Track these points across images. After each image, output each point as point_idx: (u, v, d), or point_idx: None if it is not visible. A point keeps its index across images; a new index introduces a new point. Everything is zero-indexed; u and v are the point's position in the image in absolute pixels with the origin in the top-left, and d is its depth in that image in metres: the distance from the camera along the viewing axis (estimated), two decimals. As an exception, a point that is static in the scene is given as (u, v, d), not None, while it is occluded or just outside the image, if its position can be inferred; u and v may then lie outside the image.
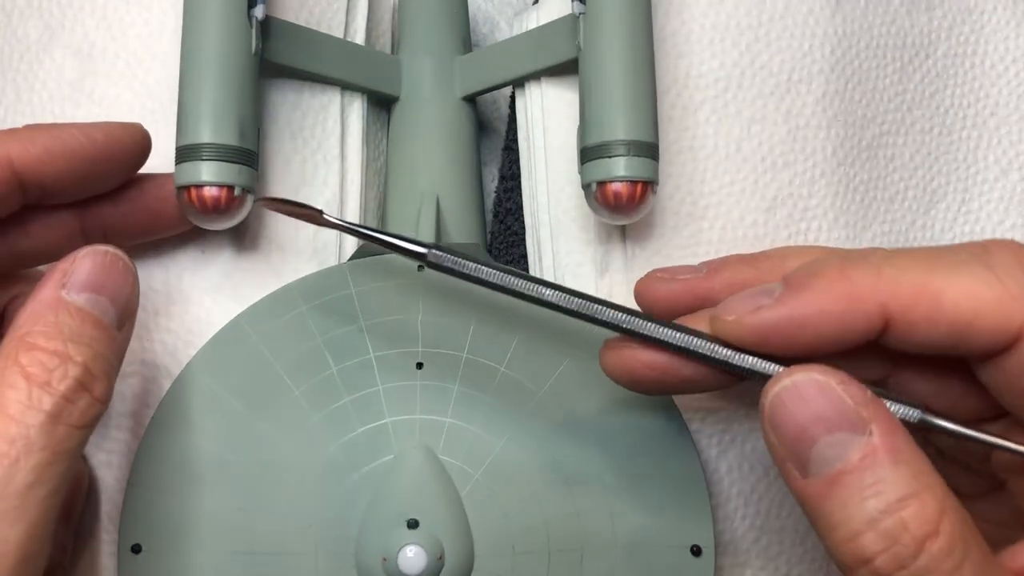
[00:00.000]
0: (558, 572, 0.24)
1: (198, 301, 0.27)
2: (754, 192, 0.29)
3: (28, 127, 0.24)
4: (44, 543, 0.20)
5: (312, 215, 0.24)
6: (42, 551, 0.20)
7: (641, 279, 0.24)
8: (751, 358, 0.21)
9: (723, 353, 0.21)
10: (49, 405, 0.20)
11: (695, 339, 0.22)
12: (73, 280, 0.22)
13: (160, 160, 0.28)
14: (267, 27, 0.27)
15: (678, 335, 0.22)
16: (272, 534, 0.24)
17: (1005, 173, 0.32)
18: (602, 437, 0.25)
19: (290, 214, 0.25)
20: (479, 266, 0.23)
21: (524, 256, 0.30)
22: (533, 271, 0.30)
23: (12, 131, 0.24)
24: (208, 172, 0.25)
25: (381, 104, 0.32)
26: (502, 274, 0.22)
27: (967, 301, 0.19)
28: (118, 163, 0.25)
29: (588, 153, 0.26)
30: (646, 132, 0.26)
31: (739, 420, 0.27)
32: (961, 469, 0.23)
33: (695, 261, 0.28)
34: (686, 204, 0.29)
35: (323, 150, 0.29)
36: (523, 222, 0.31)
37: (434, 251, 0.23)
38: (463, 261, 0.23)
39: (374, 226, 0.31)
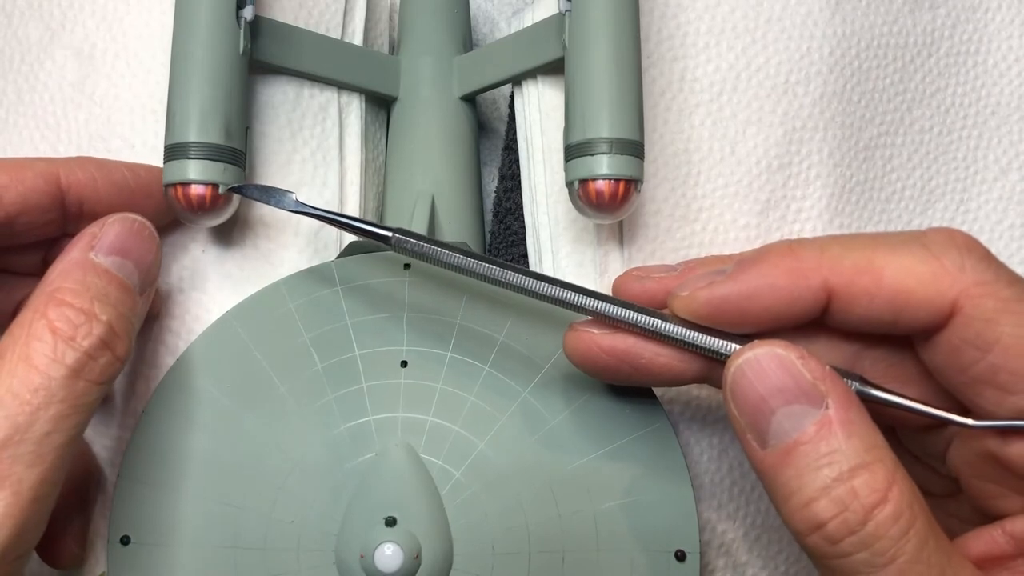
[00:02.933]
0: (539, 574, 0.24)
1: (198, 301, 0.27)
2: (747, 194, 0.29)
3: (79, 157, 0.25)
4: (55, 488, 0.21)
5: (281, 200, 0.25)
6: (52, 495, 0.21)
7: (618, 277, 0.24)
8: (704, 335, 0.22)
9: (677, 331, 0.22)
10: (72, 360, 0.21)
11: (650, 318, 0.22)
12: (101, 243, 0.23)
13: (161, 161, 0.28)
14: (261, 28, 0.28)
15: (631, 313, 0.22)
16: (255, 529, 0.24)
17: (1005, 172, 0.32)
18: (586, 439, 0.25)
19: (263, 200, 0.25)
20: (439, 249, 0.23)
21: (524, 256, 0.30)
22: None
23: (64, 158, 0.25)
24: (194, 171, 0.25)
25: (380, 104, 0.32)
26: (460, 256, 0.23)
27: (904, 276, 0.20)
28: (154, 202, 0.26)
29: (571, 151, 0.26)
30: (630, 130, 0.25)
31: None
32: (930, 471, 0.23)
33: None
34: (680, 207, 0.29)
35: (323, 150, 0.29)
36: (523, 222, 0.31)
37: (397, 235, 0.24)
38: (425, 245, 0.23)
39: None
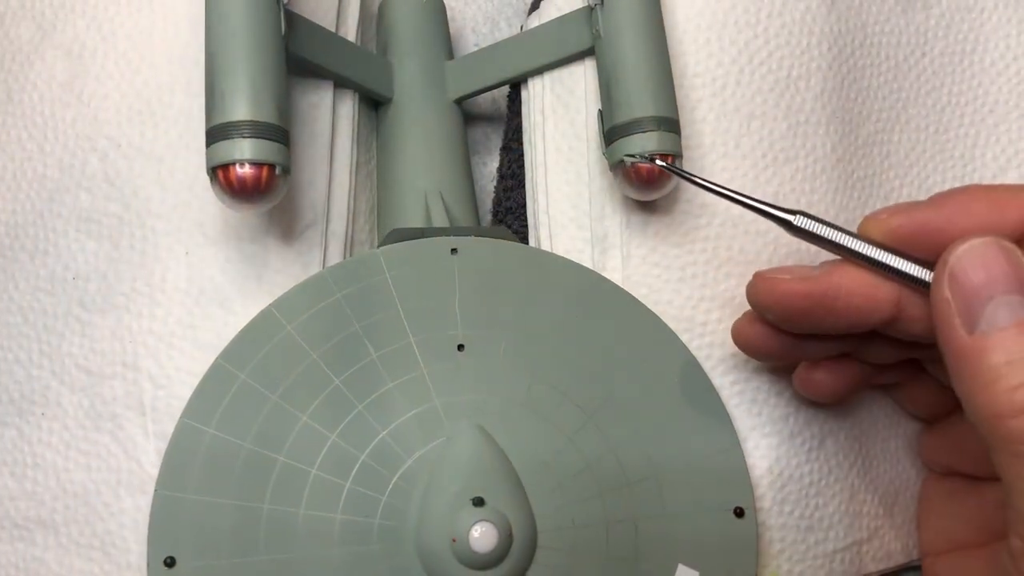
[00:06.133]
0: (616, 543, 0.23)
1: (180, 303, 0.26)
2: (754, 188, 0.27)
3: None
4: None
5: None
6: None
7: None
8: (900, 259, 0.22)
9: (881, 254, 0.22)
10: None
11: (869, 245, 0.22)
12: None
13: (147, 162, 0.26)
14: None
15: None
16: (323, 532, 0.22)
17: (1003, 171, 0.31)
18: (643, 408, 0.25)
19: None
20: (842, 233, 0.22)
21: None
22: None
23: None
24: (247, 150, 0.22)
25: (372, 106, 0.31)
26: (865, 244, 0.22)
27: None
28: None
29: (618, 131, 0.26)
30: (671, 109, 0.26)
31: (740, 417, 0.26)
32: None
33: (691, 259, 0.27)
34: (681, 202, 0.27)
35: (311, 149, 0.28)
36: (523, 221, 0.30)
37: (800, 216, 0.22)
38: (828, 228, 0.22)
39: (372, 226, 0.30)
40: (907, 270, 0.22)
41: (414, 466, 0.23)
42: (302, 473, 0.23)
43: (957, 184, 0.30)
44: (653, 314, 0.26)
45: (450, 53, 0.32)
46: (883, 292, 0.22)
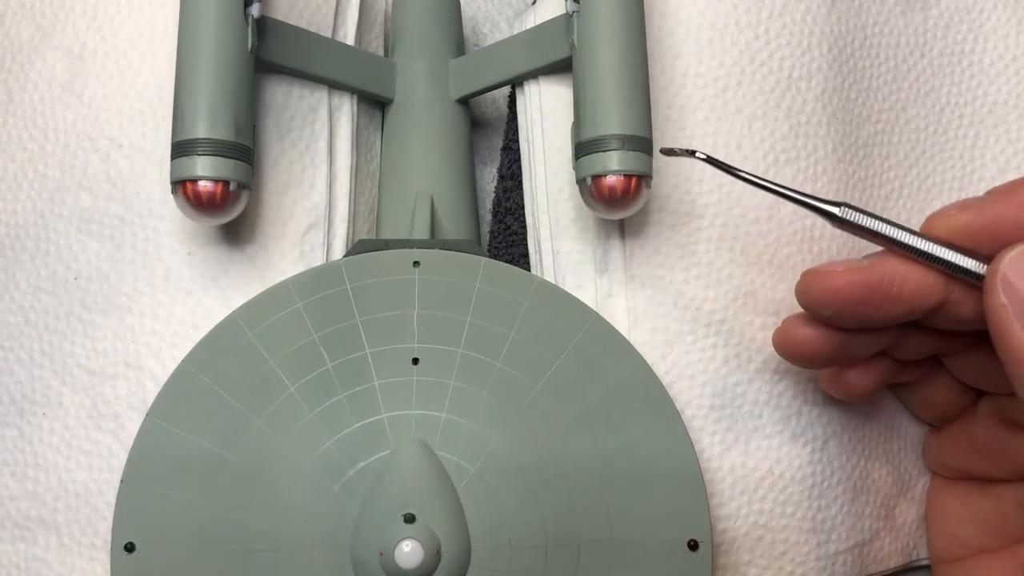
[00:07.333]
0: (555, 567, 0.23)
1: (183, 303, 0.26)
2: (756, 189, 0.27)
3: None
4: None
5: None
6: None
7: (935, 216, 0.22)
8: (950, 251, 0.21)
9: (940, 250, 0.22)
10: None
11: (919, 238, 0.22)
12: None
13: (148, 162, 0.26)
14: (263, 26, 0.26)
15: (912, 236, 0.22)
16: (268, 531, 0.23)
17: (1003, 171, 0.30)
18: (598, 432, 0.24)
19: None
20: (886, 224, 0.22)
21: (524, 255, 0.29)
22: (534, 270, 0.28)
23: None
24: (203, 167, 0.23)
25: (374, 106, 0.31)
26: (910, 235, 0.22)
27: None
28: None
29: (582, 148, 0.25)
30: (640, 127, 0.25)
31: (743, 418, 0.26)
32: None
33: (694, 259, 0.27)
34: (684, 203, 0.27)
35: (311, 152, 0.28)
36: (523, 222, 0.29)
37: (845, 207, 0.22)
38: (872, 220, 0.22)
39: (372, 228, 0.30)
40: (959, 262, 0.21)
41: (355, 477, 0.23)
42: (253, 475, 0.23)
43: (956, 184, 0.30)
44: (616, 332, 0.25)
45: (462, 48, 0.31)
46: (934, 275, 0.22)
